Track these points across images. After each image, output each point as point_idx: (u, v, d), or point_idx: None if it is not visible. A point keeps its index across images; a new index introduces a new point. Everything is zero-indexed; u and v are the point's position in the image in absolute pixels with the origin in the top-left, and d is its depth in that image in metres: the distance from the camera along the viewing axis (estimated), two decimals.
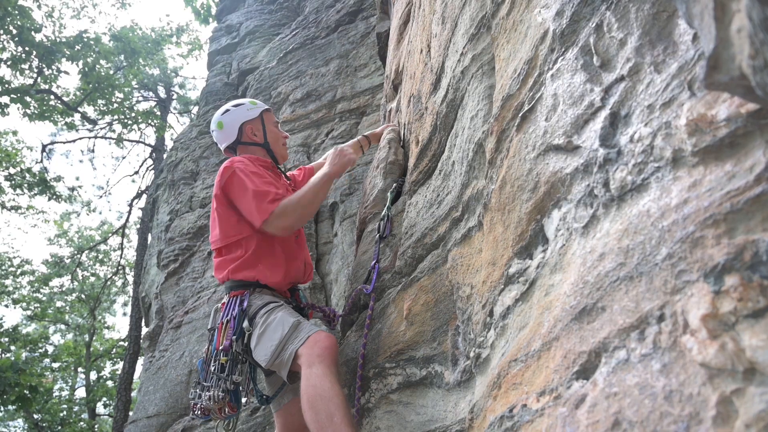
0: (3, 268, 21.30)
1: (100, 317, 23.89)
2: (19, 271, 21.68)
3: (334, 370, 2.22)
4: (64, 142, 18.65)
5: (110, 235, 21.53)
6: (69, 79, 19.63)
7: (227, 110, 3.04)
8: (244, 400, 2.66)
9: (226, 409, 2.52)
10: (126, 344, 15.59)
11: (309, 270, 2.96)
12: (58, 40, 13.21)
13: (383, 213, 2.84)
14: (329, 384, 2.14)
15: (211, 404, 2.47)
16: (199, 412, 2.56)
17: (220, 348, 2.52)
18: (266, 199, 2.61)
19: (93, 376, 22.97)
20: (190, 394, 2.61)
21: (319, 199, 2.71)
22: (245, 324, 2.51)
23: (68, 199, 18.46)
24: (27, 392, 11.03)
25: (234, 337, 2.50)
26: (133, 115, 15.62)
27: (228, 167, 2.73)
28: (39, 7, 13.34)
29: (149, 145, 18.59)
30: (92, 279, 22.59)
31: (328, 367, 2.20)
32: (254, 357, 2.48)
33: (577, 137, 1.19)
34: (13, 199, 17.00)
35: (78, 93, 14.91)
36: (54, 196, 15.83)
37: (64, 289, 22.32)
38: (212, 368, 2.52)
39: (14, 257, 21.84)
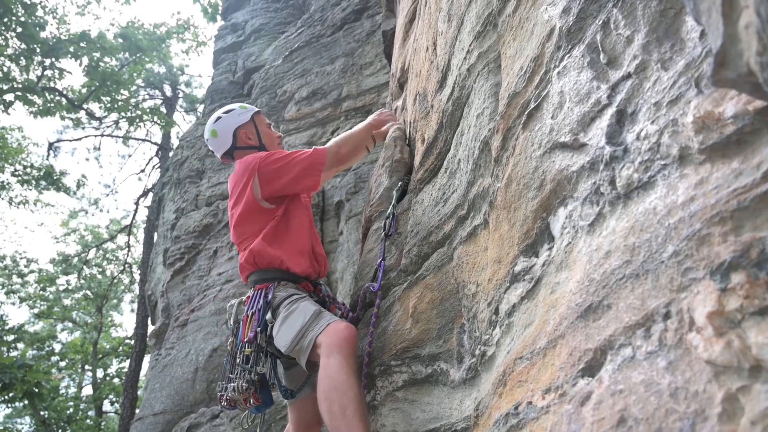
0: (9, 267, 21.41)
1: (107, 315, 23.98)
2: (26, 269, 21.79)
3: (352, 361, 2.25)
4: (70, 140, 18.75)
5: (117, 233, 21.61)
6: (74, 76, 19.74)
7: (219, 118, 3.11)
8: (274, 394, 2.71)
9: (251, 400, 2.56)
10: (132, 342, 15.65)
11: (324, 261, 3.02)
12: (62, 37, 13.25)
13: (388, 211, 2.85)
14: (345, 376, 2.16)
15: (236, 395, 2.52)
16: (225, 403, 2.61)
17: (245, 340, 2.57)
18: (309, 153, 2.85)
19: (100, 373, 23.08)
20: (217, 387, 2.67)
21: (361, 136, 3.12)
22: (268, 316, 2.56)
23: (76, 191, 18.52)
24: (34, 388, 11.09)
25: (258, 329, 2.55)
26: (139, 112, 15.65)
27: (249, 160, 2.85)
28: (42, 5, 13.38)
29: (155, 143, 18.63)
30: (99, 277, 22.67)
31: (345, 358, 2.23)
32: (275, 344, 2.52)
33: (584, 135, 1.19)
34: (21, 194, 17.11)
35: (83, 90, 14.95)
36: (62, 188, 15.91)
37: (70, 287, 22.40)
38: (238, 360, 2.57)
39: (21, 258, 21.95)
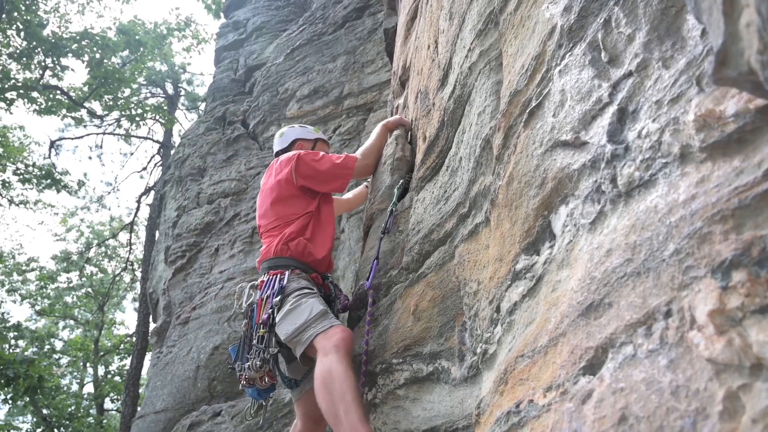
0: (10, 264, 21.43)
1: (109, 313, 23.99)
2: (26, 267, 21.80)
3: (348, 360, 2.39)
4: (72, 138, 18.73)
5: (119, 231, 21.61)
6: (75, 75, 19.76)
7: (294, 126, 3.66)
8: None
9: (266, 378, 2.74)
10: (134, 340, 15.66)
11: (332, 266, 3.26)
12: (63, 35, 13.24)
13: (388, 209, 2.87)
14: (343, 368, 2.32)
15: (253, 374, 2.69)
16: (245, 382, 2.77)
17: (260, 321, 2.73)
18: (342, 157, 3.19)
19: (101, 371, 23.09)
20: (236, 367, 2.82)
21: (381, 144, 3.40)
22: (276, 299, 2.70)
23: (77, 191, 18.54)
24: (37, 381, 11.10)
25: (271, 310, 2.70)
26: (140, 111, 15.65)
27: (293, 155, 3.15)
28: (44, 3, 13.39)
29: (157, 141, 18.63)
30: (100, 275, 22.68)
31: (342, 356, 2.37)
32: (276, 329, 2.68)
33: (585, 133, 1.19)
34: (22, 194, 17.12)
35: (85, 89, 14.95)
36: (63, 188, 15.92)
37: (72, 284, 22.41)
38: (254, 341, 2.73)
39: (21, 253, 21.98)
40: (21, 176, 15.65)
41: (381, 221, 3.01)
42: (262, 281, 2.88)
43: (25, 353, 17.05)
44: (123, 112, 15.86)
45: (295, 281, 2.79)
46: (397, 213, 2.82)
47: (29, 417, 22.06)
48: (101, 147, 25.72)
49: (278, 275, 2.81)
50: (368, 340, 2.53)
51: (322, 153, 3.21)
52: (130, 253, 19.03)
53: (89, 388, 23.14)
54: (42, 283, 22.00)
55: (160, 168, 17.27)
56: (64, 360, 22.98)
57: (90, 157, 29.67)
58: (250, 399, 3.01)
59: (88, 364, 23.07)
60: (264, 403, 2.95)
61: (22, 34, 12.20)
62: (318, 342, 2.47)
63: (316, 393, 2.35)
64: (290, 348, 2.65)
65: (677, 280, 0.83)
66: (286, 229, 3.00)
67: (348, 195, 4.04)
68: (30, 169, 15.93)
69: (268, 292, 2.76)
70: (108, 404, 22.51)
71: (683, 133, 0.90)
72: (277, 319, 2.67)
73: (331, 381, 2.28)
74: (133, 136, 18.57)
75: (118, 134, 18.71)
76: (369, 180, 3.85)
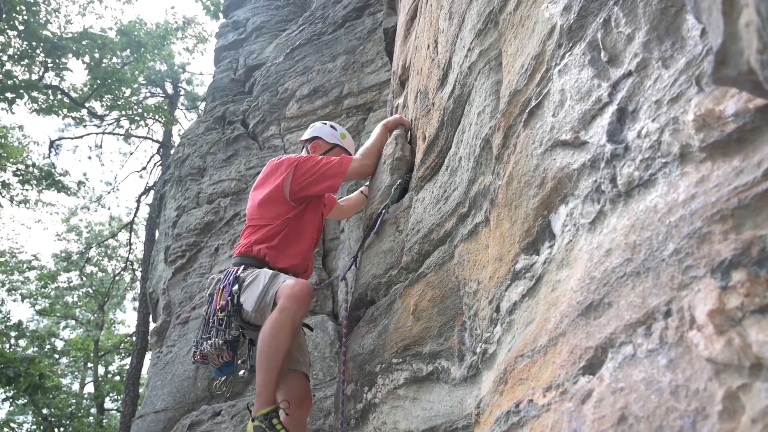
0: (10, 263, 21.42)
1: (110, 313, 23.98)
2: (26, 266, 21.79)
3: (302, 312, 2.81)
4: (71, 138, 18.72)
5: (118, 230, 21.60)
6: (76, 75, 19.75)
7: (326, 124, 3.82)
8: (241, 373, 3.26)
9: (224, 356, 3.02)
10: (134, 339, 15.66)
11: (310, 271, 3.47)
12: (64, 35, 13.23)
13: (380, 209, 2.91)
14: (288, 330, 2.71)
15: (212, 350, 2.98)
16: (198, 358, 3.07)
17: (218, 308, 3.02)
18: (337, 159, 3.30)
19: (101, 371, 23.09)
20: (192, 346, 3.15)
21: (381, 144, 3.41)
22: (234, 287, 3.00)
23: (77, 191, 18.53)
24: (37, 380, 11.09)
25: (229, 297, 3.00)
26: (140, 110, 15.64)
27: (294, 157, 3.35)
28: (45, 3, 13.37)
29: (156, 141, 18.62)
30: (101, 275, 22.67)
31: (297, 309, 2.76)
32: (244, 307, 2.96)
33: (585, 133, 1.19)
34: (21, 194, 17.10)
35: (85, 89, 14.94)
36: (63, 189, 15.92)
37: (72, 284, 22.40)
38: (212, 323, 3.03)
39: (20, 252, 21.96)
40: (21, 176, 15.65)
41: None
42: (223, 273, 3.22)
43: (26, 352, 17.04)
44: (124, 113, 15.85)
45: (249, 270, 3.09)
46: (386, 214, 2.87)
47: (30, 417, 22.07)
48: (101, 147, 25.71)
49: (237, 269, 3.12)
50: (346, 335, 2.85)
51: (318, 157, 3.34)
52: (130, 252, 19.03)
53: (90, 388, 23.16)
54: (42, 283, 21.99)
55: (160, 168, 17.26)
56: (65, 360, 22.98)
57: (90, 157, 29.74)
58: (248, 399, 3.35)
59: (88, 364, 23.08)
60: (231, 378, 3.24)
61: (22, 35, 12.19)
62: (279, 296, 2.82)
63: (260, 335, 2.73)
64: (257, 329, 2.92)
65: (677, 280, 0.83)
66: (259, 232, 3.24)
67: (346, 201, 4.10)
68: (30, 169, 15.93)
69: (226, 282, 3.08)
70: (108, 404, 22.52)
71: (683, 133, 0.90)
72: (242, 301, 2.96)
73: (273, 336, 2.69)
74: (133, 135, 18.57)
75: (118, 134, 18.71)
76: (366, 184, 3.89)
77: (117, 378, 22.72)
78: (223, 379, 3.24)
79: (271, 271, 3.00)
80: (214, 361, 3.03)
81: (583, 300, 1.06)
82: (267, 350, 2.68)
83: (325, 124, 3.80)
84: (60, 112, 14.38)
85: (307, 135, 3.77)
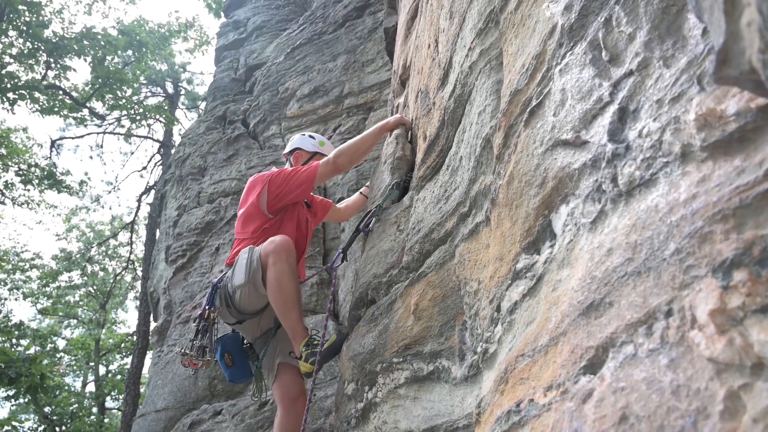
0: (12, 262, 21.43)
1: (111, 312, 24.00)
2: (28, 265, 21.81)
3: (292, 259, 3.06)
4: (72, 138, 18.73)
5: (119, 230, 21.62)
6: (77, 75, 19.78)
7: (305, 134, 3.98)
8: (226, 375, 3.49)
9: (199, 361, 3.26)
10: (135, 339, 15.67)
11: (302, 277, 3.62)
12: (66, 35, 13.24)
13: (374, 208, 2.94)
14: (288, 274, 3.00)
15: (190, 351, 3.24)
16: (181, 359, 3.31)
17: (198, 315, 3.32)
18: (307, 166, 3.46)
19: (102, 370, 23.10)
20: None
21: (368, 144, 3.47)
22: (215, 300, 3.26)
23: (78, 191, 18.55)
24: (39, 380, 11.12)
25: (207, 306, 3.26)
26: (141, 110, 15.64)
27: (267, 173, 3.54)
28: (47, 4, 13.37)
29: (157, 140, 18.63)
30: (102, 274, 22.69)
31: (285, 258, 3.02)
32: (234, 284, 3.16)
33: (586, 132, 1.19)
34: (24, 194, 17.11)
35: (86, 89, 14.95)
36: (64, 189, 15.94)
37: (73, 283, 22.42)
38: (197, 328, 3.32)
39: (22, 251, 21.98)
40: (23, 177, 15.66)
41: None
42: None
43: (27, 351, 17.06)
44: (125, 112, 15.86)
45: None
46: (379, 213, 2.90)
47: (32, 416, 22.09)
48: (102, 146, 25.72)
49: (219, 278, 3.37)
50: (325, 325, 3.18)
51: (290, 170, 3.51)
52: (131, 252, 19.05)
53: (91, 387, 23.18)
54: (44, 281, 22.01)
55: (161, 167, 17.28)
56: (66, 359, 23.00)
57: (91, 157, 29.68)
58: (250, 398, 3.57)
59: (90, 363, 23.10)
60: (255, 382, 3.43)
61: (24, 35, 12.19)
62: (264, 254, 3.06)
63: (268, 292, 3.03)
64: (252, 317, 3.25)
65: (678, 280, 0.83)
66: (242, 244, 3.43)
67: (345, 203, 4.18)
68: (32, 170, 15.95)
69: (207, 293, 3.37)
70: (109, 403, 22.54)
71: (684, 133, 0.90)
72: (230, 292, 3.19)
73: (279, 285, 2.99)
74: (134, 135, 18.58)
75: (119, 133, 18.72)
76: (367, 185, 3.90)
77: (118, 377, 22.74)
78: (255, 386, 3.45)
79: (249, 246, 3.23)
80: (188, 364, 3.25)
81: (584, 299, 1.06)
82: (280, 297, 2.98)
83: (303, 134, 3.98)
84: (62, 112, 14.40)
85: (288, 148, 3.94)
